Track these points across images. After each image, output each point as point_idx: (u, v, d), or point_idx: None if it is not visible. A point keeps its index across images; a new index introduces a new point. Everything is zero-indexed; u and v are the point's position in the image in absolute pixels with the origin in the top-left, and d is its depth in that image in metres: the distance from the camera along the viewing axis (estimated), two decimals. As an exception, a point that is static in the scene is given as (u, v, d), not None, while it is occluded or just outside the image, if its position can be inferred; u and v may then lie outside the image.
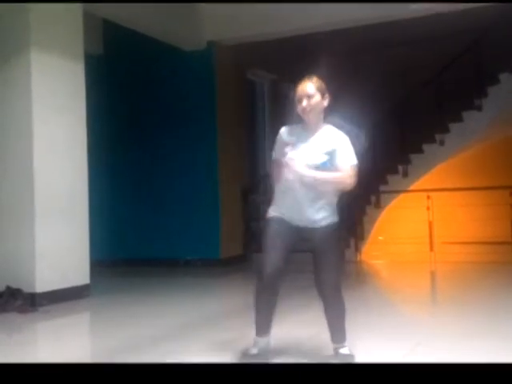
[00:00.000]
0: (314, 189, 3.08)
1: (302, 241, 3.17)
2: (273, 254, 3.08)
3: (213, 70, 7.99)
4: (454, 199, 9.24)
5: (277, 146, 3.26)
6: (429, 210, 8.25)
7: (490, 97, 8.80)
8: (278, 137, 3.25)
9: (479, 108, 8.91)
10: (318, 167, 3.06)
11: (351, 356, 3.15)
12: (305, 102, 3.08)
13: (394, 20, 7.37)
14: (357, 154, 3.14)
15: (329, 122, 3.22)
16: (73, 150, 5.73)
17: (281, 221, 3.14)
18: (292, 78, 3.32)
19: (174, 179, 8.09)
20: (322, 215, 3.11)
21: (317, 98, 3.09)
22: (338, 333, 3.19)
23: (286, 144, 3.14)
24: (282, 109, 10.22)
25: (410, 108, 9.21)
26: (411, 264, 8.21)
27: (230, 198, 8.13)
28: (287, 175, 3.09)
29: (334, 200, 3.17)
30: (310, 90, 3.09)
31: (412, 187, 9.41)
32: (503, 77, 8.61)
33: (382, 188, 9.40)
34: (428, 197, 8.26)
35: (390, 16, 7.14)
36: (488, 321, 4.27)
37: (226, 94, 8.12)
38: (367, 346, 3.44)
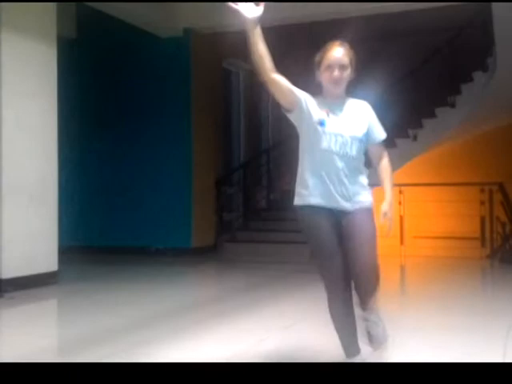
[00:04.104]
0: (352, 160, 2.67)
1: (338, 226, 2.67)
2: (331, 255, 2.63)
3: (188, 57, 7.91)
4: (426, 194, 9.34)
5: (308, 104, 2.67)
6: (400, 204, 8.33)
7: (463, 94, 8.90)
8: (307, 95, 2.70)
9: (452, 105, 9.00)
10: (359, 140, 2.68)
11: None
12: (337, 72, 2.64)
13: (375, 14, 7.39)
14: None
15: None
16: (43, 136, 5.61)
17: (318, 210, 2.64)
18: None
19: (146, 167, 8.01)
20: (361, 192, 2.73)
21: (349, 69, 2.68)
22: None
23: (316, 108, 2.66)
24: (257, 99, 10.19)
25: (384, 102, 9.26)
26: (381, 257, 8.24)
27: (203, 188, 8.09)
28: (320, 144, 2.61)
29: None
30: (345, 61, 2.65)
31: (384, 181, 9.47)
32: (476, 75, 8.70)
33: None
34: (400, 191, 8.34)
35: (373, 9, 7.16)
36: (458, 315, 4.32)
37: (201, 83, 8.05)
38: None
